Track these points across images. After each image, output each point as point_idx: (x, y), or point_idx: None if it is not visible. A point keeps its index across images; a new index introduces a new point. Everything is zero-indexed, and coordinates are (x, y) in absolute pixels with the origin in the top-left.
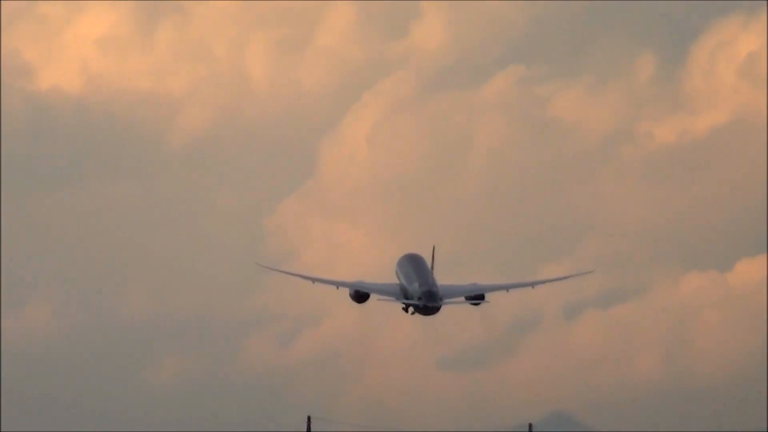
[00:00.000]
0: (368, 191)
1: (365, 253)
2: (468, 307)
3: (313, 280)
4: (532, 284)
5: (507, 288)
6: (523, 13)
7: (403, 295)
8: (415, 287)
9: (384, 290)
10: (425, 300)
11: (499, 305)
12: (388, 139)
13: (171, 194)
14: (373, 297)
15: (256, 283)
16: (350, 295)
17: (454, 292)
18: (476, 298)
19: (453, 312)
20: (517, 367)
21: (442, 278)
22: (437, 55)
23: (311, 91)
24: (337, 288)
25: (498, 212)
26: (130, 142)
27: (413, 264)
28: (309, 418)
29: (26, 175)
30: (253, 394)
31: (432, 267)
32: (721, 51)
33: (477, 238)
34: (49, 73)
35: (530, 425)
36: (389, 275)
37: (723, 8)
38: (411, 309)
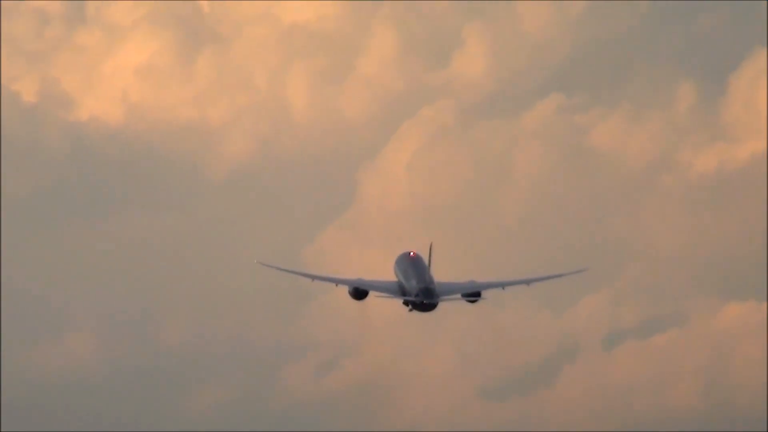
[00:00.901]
0: (408, 220)
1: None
2: (504, 326)
3: (313, 278)
4: (528, 282)
5: (503, 285)
6: (564, 41)
7: (401, 292)
8: (412, 284)
9: (382, 288)
10: (422, 297)
11: (539, 334)
12: (429, 167)
13: (211, 224)
14: (371, 295)
15: (296, 311)
16: (349, 292)
17: (451, 289)
18: (473, 295)
19: (491, 339)
20: (556, 397)
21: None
22: (478, 83)
23: (352, 120)
24: (337, 286)
25: (537, 240)
26: (170, 171)
27: (411, 262)
28: None
29: (66, 205)
30: (293, 421)
31: (429, 265)
32: (761, 79)
33: (516, 266)
34: (88, 103)
35: None
36: (390, 275)
37: (763, 37)
38: (409, 305)
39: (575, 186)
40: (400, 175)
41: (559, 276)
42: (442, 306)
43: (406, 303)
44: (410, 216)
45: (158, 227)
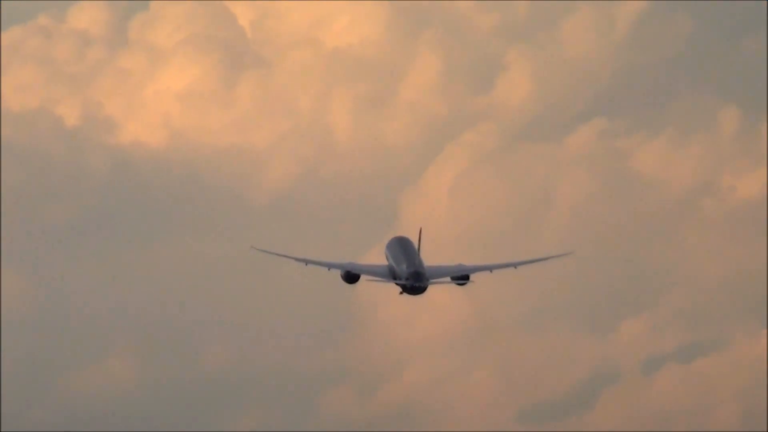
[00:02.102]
0: (450, 244)
1: (439, 308)
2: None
3: (306, 262)
4: (515, 265)
5: (491, 268)
6: (607, 66)
7: (392, 275)
8: (402, 268)
9: (373, 271)
10: (412, 280)
11: (579, 358)
12: (471, 191)
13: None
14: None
15: (339, 336)
16: (341, 276)
17: (440, 272)
18: (461, 278)
19: (532, 362)
20: (595, 421)
21: None
22: (521, 107)
23: (394, 145)
24: (329, 269)
25: (579, 264)
26: (212, 195)
27: (401, 246)
28: None
29: (108, 229)
30: None
31: (419, 249)
32: None
33: (561, 290)
34: (131, 127)
35: None
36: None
37: None
38: (400, 289)
39: (617, 210)
40: (442, 199)
41: (546, 259)
42: (481, 313)
43: (402, 291)
44: (452, 240)
45: (201, 251)
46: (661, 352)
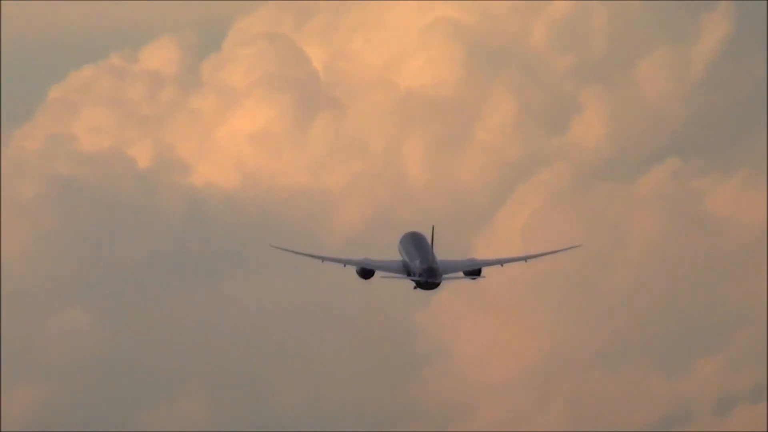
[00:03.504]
0: (523, 285)
1: (518, 346)
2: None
3: (323, 259)
4: (525, 258)
5: (502, 263)
6: (682, 106)
7: (406, 271)
8: (416, 264)
9: (388, 267)
10: (426, 276)
11: (650, 398)
12: (543, 232)
13: (327, 290)
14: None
15: (409, 377)
16: (357, 272)
17: (452, 267)
18: (473, 273)
19: (602, 402)
20: None
21: None
22: (595, 148)
23: (467, 186)
24: (345, 266)
25: (654, 304)
26: (285, 237)
27: (414, 242)
28: None
29: (181, 269)
30: None
31: (432, 245)
32: None
33: (634, 329)
34: (203, 169)
35: None
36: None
37: None
38: (414, 284)
39: (691, 250)
40: (514, 240)
41: (554, 252)
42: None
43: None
44: (525, 282)
45: (273, 292)
46: (734, 392)
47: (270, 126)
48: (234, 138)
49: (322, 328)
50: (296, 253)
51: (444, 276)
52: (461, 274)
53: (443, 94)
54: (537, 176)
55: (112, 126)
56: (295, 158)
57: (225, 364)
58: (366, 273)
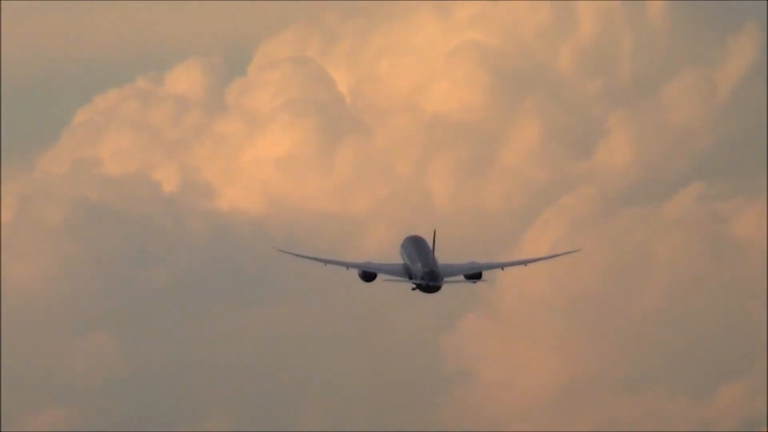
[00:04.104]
0: (549, 310)
1: (542, 370)
2: None
3: (325, 262)
4: (525, 262)
5: (502, 266)
6: (707, 130)
7: (407, 274)
8: (418, 267)
9: (389, 270)
10: (427, 280)
11: (675, 422)
12: (568, 257)
13: (352, 314)
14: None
15: (437, 399)
16: (359, 275)
17: (453, 270)
18: (474, 276)
19: (627, 426)
20: None
21: None
22: (620, 172)
23: (492, 210)
24: (347, 269)
25: (678, 328)
26: (312, 262)
27: (416, 245)
28: None
29: (205, 295)
30: None
31: (433, 248)
32: None
33: (657, 355)
34: (229, 193)
35: None
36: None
37: None
38: (413, 285)
39: (716, 273)
40: (539, 264)
41: (555, 256)
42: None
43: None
44: (551, 306)
45: (300, 318)
46: (758, 416)
47: (295, 150)
48: (259, 162)
49: (348, 352)
50: (300, 256)
51: (445, 279)
52: (462, 277)
53: (469, 118)
54: (561, 200)
55: (137, 150)
56: (321, 182)
57: (250, 387)
58: (368, 276)
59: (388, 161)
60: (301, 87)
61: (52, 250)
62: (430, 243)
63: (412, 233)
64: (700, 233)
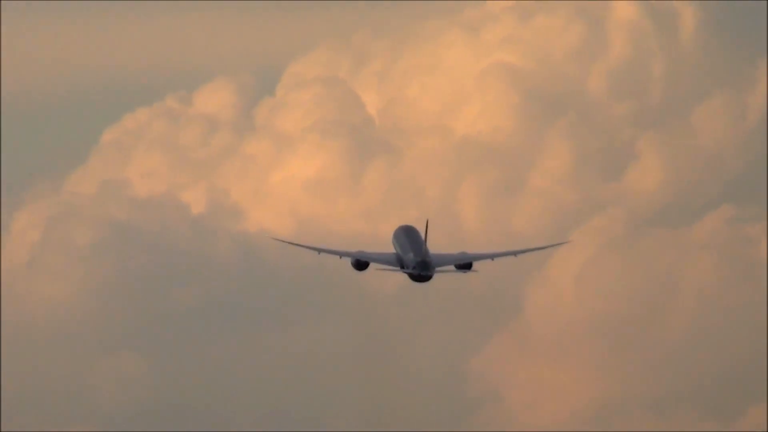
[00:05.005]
0: (576, 332)
1: (570, 394)
2: None
3: (319, 251)
4: (515, 253)
5: (492, 257)
6: (737, 153)
7: (399, 264)
8: (410, 257)
9: (382, 259)
10: (419, 269)
11: None
12: (597, 279)
13: (378, 336)
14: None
15: (465, 419)
16: (351, 263)
17: (444, 260)
18: (465, 266)
19: None
20: None
21: None
22: (650, 195)
23: (521, 232)
24: (340, 258)
25: (706, 351)
26: (340, 284)
27: (408, 235)
28: None
29: (233, 316)
30: None
31: (425, 239)
32: None
33: (687, 378)
34: (257, 215)
35: None
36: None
37: None
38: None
39: (745, 297)
40: (567, 286)
41: (543, 248)
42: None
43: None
44: (578, 328)
45: (328, 340)
46: None
47: (324, 172)
48: (288, 184)
49: (377, 373)
50: (294, 244)
51: (436, 269)
52: (453, 267)
53: (499, 140)
54: (591, 222)
55: (166, 170)
56: (350, 204)
57: (278, 411)
58: (361, 265)
59: (418, 183)
60: (330, 108)
61: (80, 271)
62: (422, 233)
63: (405, 224)
64: (729, 256)
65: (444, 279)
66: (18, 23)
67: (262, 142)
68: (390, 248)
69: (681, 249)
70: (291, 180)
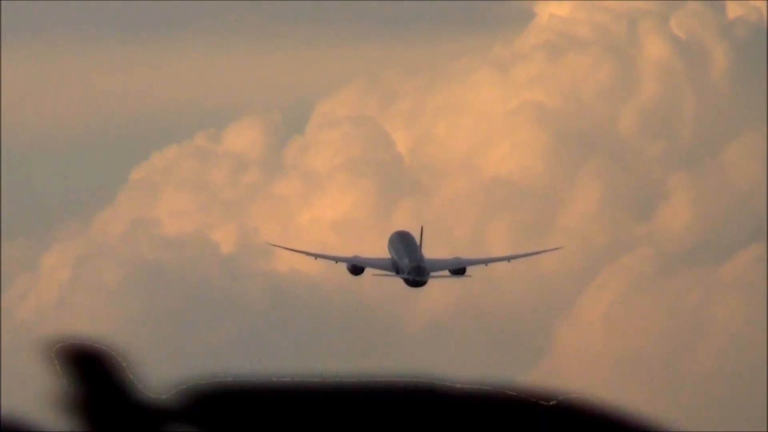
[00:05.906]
0: (605, 370)
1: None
2: None
3: (315, 256)
4: (509, 258)
5: (486, 262)
6: (765, 193)
7: (394, 268)
8: (405, 262)
9: (377, 264)
10: (414, 275)
11: None
12: (625, 318)
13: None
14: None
15: None
16: (347, 268)
17: (438, 265)
18: (458, 272)
19: None
20: None
21: None
22: (679, 234)
23: (549, 272)
24: (336, 263)
25: (733, 387)
26: (371, 323)
27: (403, 241)
28: None
29: (264, 357)
30: None
31: (420, 244)
32: None
33: (714, 417)
34: (287, 255)
35: None
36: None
37: None
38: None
39: None
40: (596, 325)
41: (537, 253)
42: None
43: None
44: (607, 366)
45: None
46: None
47: (353, 211)
48: (317, 223)
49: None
50: (291, 250)
51: (431, 274)
52: (447, 272)
53: (528, 180)
54: (620, 261)
55: (195, 210)
56: (379, 243)
57: None
58: (357, 270)
59: (447, 223)
60: (360, 147)
61: (109, 311)
62: (417, 239)
63: (400, 229)
64: (759, 295)
65: (440, 284)
66: (47, 61)
67: (291, 181)
68: (386, 254)
69: (711, 288)
70: (320, 219)
